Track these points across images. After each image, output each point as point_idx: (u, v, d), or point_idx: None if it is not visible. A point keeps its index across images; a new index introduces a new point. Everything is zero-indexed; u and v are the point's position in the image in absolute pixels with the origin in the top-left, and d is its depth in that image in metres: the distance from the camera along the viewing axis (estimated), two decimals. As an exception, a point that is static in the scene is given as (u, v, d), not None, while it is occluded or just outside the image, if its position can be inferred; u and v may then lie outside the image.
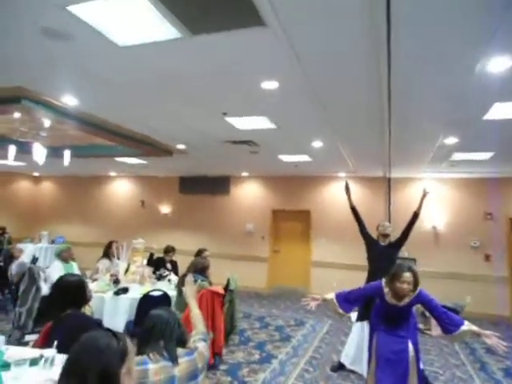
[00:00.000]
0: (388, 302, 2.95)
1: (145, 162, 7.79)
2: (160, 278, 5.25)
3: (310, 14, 2.20)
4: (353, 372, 4.17)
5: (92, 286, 4.35)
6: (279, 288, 8.70)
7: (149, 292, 4.20)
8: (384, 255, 4.12)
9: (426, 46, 2.48)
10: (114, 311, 4.16)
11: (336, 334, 5.75)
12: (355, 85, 3.25)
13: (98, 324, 2.82)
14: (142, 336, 1.81)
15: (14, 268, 4.77)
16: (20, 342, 4.03)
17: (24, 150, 5.97)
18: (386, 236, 4.23)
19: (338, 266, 8.18)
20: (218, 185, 9.47)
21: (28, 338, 3.32)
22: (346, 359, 4.29)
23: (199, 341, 1.94)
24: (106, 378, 1.03)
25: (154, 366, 1.67)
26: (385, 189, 8.06)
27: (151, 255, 6.26)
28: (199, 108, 4.08)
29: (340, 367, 4.29)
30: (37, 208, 11.38)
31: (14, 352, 2.19)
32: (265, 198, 9.18)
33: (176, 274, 5.78)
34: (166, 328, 1.80)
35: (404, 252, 6.49)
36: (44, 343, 2.33)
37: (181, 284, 3.90)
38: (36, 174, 11.30)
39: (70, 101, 3.99)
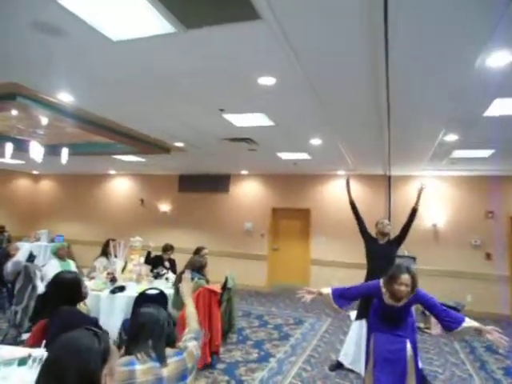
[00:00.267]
0: (386, 303, 2.92)
1: (143, 160, 7.76)
2: (157, 276, 5.22)
3: (307, 8, 2.16)
4: (351, 371, 4.14)
5: (89, 284, 4.32)
6: (279, 286, 8.68)
7: (145, 290, 4.17)
8: (383, 253, 4.09)
9: (426, 40, 2.43)
10: (110, 310, 4.13)
11: (335, 333, 5.71)
12: (354, 81, 3.21)
13: (93, 322, 2.81)
14: (130, 334, 1.78)
15: (9, 266, 4.75)
16: (16, 341, 4.03)
17: (22, 147, 5.95)
18: (384, 235, 4.19)
19: (337, 265, 8.15)
20: (218, 183, 9.45)
21: (25, 336, 3.31)
22: (344, 358, 4.26)
23: (190, 340, 1.91)
24: (85, 379, 1.00)
25: (142, 366, 1.63)
26: (385, 187, 8.02)
27: (149, 253, 6.23)
28: (196, 104, 4.04)
29: (338, 366, 4.26)
30: (36, 206, 11.37)
31: (6, 351, 2.16)
32: (264, 197, 9.15)
33: (174, 272, 5.75)
34: (155, 327, 1.76)
35: (404, 250, 6.46)
36: (39, 340, 2.30)
37: (178, 282, 3.86)
38: (35, 172, 11.29)
39: (65, 97, 3.96)
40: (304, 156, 6.55)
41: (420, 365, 3.40)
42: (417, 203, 4.12)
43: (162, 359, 1.69)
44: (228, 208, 9.40)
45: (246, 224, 9.12)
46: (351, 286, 3.18)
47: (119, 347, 1.92)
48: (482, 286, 7.17)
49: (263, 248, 8.97)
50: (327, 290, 3.13)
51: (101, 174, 10.71)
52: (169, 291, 4.40)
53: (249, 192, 9.31)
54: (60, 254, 4.90)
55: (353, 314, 4.56)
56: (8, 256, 5.27)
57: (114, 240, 5.45)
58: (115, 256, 5.14)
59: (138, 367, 1.62)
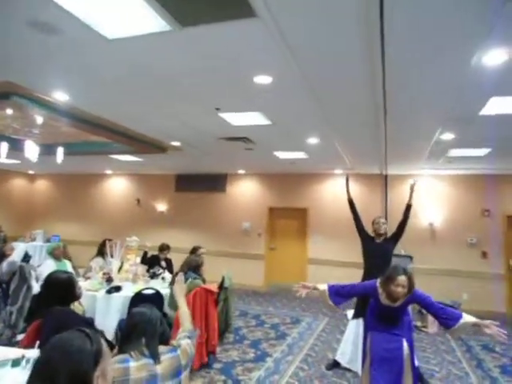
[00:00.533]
0: (382, 303, 2.92)
1: (140, 159, 7.73)
2: (153, 276, 5.21)
3: (303, 6, 2.15)
4: (348, 370, 4.13)
5: (85, 284, 4.30)
6: (276, 286, 8.67)
7: (141, 290, 4.15)
8: (380, 252, 4.10)
9: (423, 38, 2.43)
10: (106, 310, 4.10)
11: (332, 332, 5.71)
12: (350, 79, 3.20)
13: (88, 322, 2.79)
14: (124, 333, 1.78)
15: (4, 266, 4.72)
16: (11, 342, 3.99)
17: (17, 147, 5.91)
18: (380, 235, 4.20)
19: (334, 264, 8.15)
20: (215, 182, 9.43)
21: (20, 337, 3.28)
22: (341, 357, 4.25)
23: (184, 338, 1.92)
24: (76, 380, 0.99)
25: (136, 363, 1.64)
26: (381, 186, 8.03)
27: (145, 253, 6.21)
28: (191, 103, 4.02)
29: (335, 365, 4.25)
30: (32, 206, 11.31)
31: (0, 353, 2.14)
32: (261, 196, 9.14)
33: (171, 272, 5.73)
34: (147, 326, 1.77)
35: (401, 249, 6.46)
36: (33, 341, 2.28)
37: (173, 283, 3.85)
38: (31, 171, 11.23)
39: (60, 96, 3.93)
40: (301, 155, 6.55)
41: (416, 363, 3.40)
42: (410, 199, 4.17)
43: (155, 357, 1.70)
44: (225, 207, 9.38)
45: (243, 223, 9.10)
46: (348, 283, 3.18)
47: (115, 347, 1.91)
48: (477, 285, 7.20)
49: (260, 247, 8.96)
50: (323, 287, 3.13)
51: (97, 174, 10.66)
52: (165, 291, 4.38)
53: (246, 191, 9.29)
54: (56, 254, 4.88)
55: (350, 313, 4.55)
56: (3, 256, 5.23)
57: (110, 240, 5.42)
58: (111, 256, 5.11)
59: (132, 364, 1.63)
